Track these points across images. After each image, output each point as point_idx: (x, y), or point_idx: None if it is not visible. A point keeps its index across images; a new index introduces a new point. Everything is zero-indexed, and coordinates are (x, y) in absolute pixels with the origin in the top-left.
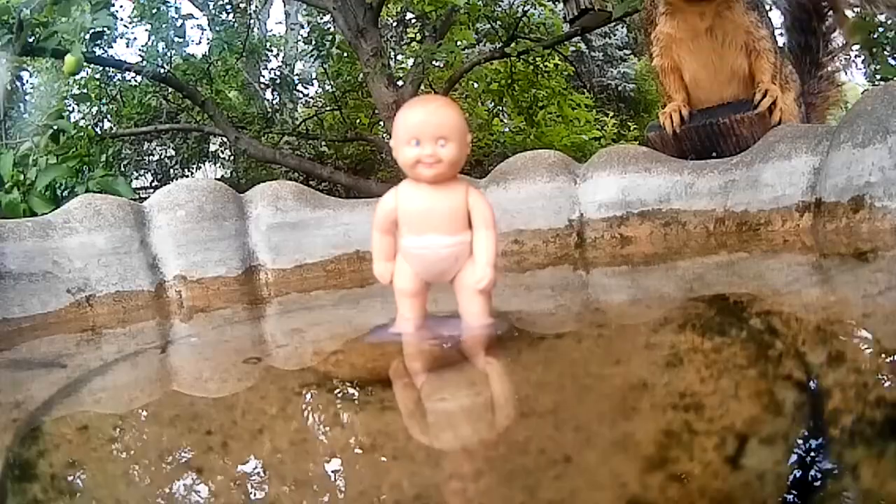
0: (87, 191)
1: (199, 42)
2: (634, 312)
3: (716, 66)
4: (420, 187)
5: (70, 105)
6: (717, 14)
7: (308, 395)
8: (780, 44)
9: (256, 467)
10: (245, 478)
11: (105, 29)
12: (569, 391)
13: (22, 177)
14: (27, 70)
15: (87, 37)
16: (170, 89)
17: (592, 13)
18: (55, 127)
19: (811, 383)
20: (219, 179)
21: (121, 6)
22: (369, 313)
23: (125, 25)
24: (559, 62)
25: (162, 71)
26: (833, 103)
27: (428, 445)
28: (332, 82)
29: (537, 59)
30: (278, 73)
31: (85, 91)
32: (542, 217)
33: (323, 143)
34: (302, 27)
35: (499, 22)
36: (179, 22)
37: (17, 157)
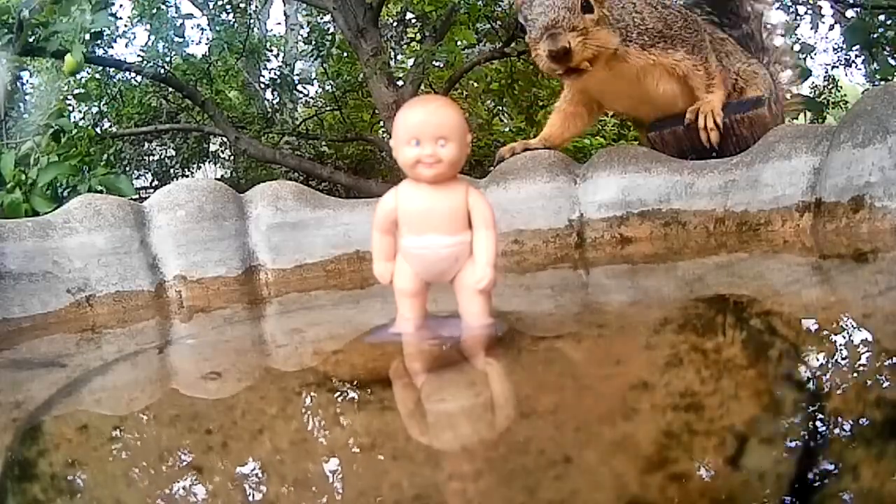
0: (89, 189)
1: (199, 42)
2: (634, 313)
3: (649, 101)
4: (420, 187)
5: (70, 105)
6: (608, 68)
7: (308, 395)
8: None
9: (256, 467)
10: (245, 478)
11: (104, 29)
12: (569, 391)
13: (23, 176)
14: (27, 70)
15: (87, 37)
16: (170, 89)
17: None
18: (56, 126)
19: (811, 383)
20: (219, 179)
21: (121, 6)
22: (369, 313)
23: (125, 25)
24: None
25: (162, 71)
26: (790, 87)
27: (428, 445)
28: (332, 82)
29: None
30: (278, 73)
31: (85, 91)
32: (542, 217)
33: (323, 143)
34: (302, 27)
35: (499, 22)
36: (179, 22)
37: (18, 156)
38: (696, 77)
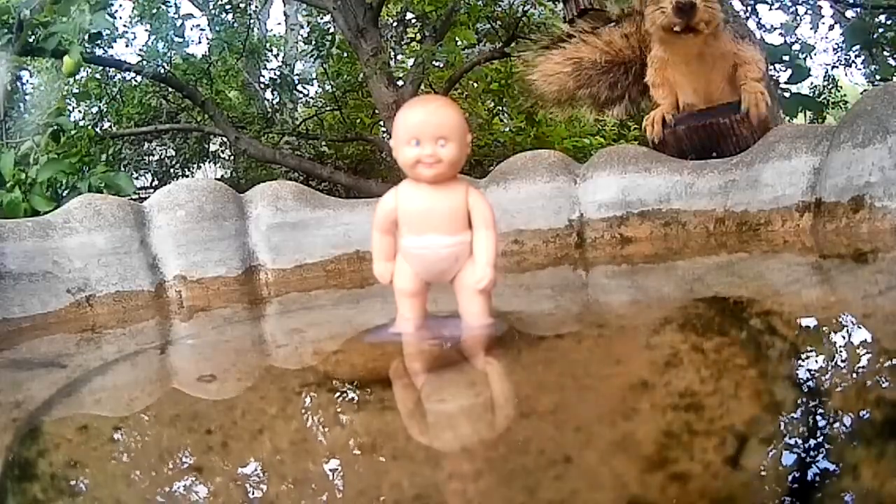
0: (88, 187)
1: (199, 42)
2: (634, 313)
3: (704, 90)
4: (420, 187)
5: (70, 104)
6: (705, 42)
7: (308, 395)
8: None
9: (256, 467)
10: (245, 477)
11: (103, 30)
12: (569, 391)
13: (23, 175)
14: (27, 70)
15: (86, 38)
16: (170, 89)
17: (592, 13)
18: (55, 126)
19: (811, 383)
20: (219, 179)
21: (120, 6)
22: (369, 313)
23: (125, 25)
24: None
25: (162, 71)
26: None
27: (428, 445)
28: (332, 82)
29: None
30: (278, 73)
31: (85, 91)
32: (542, 217)
33: (323, 143)
34: (302, 27)
35: (499, 22)
36: (179, 22)
37: (17, 156)
38: (751, 72)
